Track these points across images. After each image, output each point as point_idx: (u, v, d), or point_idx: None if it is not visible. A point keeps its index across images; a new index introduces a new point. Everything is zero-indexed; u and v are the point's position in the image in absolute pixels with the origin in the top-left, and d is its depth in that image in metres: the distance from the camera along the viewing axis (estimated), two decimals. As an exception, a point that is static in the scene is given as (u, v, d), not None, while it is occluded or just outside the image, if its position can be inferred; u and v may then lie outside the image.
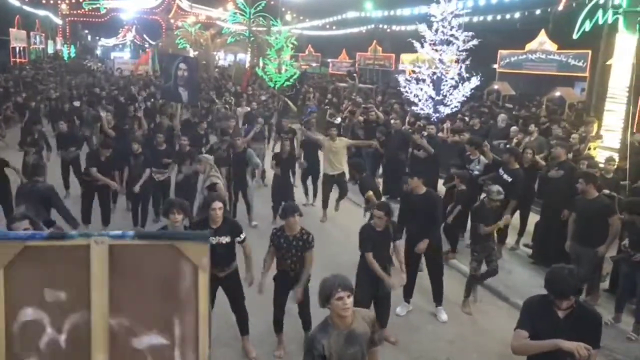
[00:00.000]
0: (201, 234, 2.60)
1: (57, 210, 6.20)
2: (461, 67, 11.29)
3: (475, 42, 11.10)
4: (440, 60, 11.27)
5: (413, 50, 13.25)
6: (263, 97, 18.60)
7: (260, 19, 27.55)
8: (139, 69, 30.92)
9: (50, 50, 47.15)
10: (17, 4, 33.29)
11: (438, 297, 6.10)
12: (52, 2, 38.41)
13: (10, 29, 31.88)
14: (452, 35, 11.29)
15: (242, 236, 5.06)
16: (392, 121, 11.49)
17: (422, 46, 11.64)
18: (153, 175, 8.60)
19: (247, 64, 27.21)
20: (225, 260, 5.00)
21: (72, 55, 48.19)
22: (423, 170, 9.07)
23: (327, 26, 38.25)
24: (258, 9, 27.56)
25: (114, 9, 47.57)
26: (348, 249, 6.63)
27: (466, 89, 11.38)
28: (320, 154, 10.30)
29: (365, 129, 11.62)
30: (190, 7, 47.16)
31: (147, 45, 65.73)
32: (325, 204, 9.40)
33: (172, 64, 11.71)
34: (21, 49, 34.32)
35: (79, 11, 47.50)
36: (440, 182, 9.02)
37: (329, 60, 44.01)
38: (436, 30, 11.41)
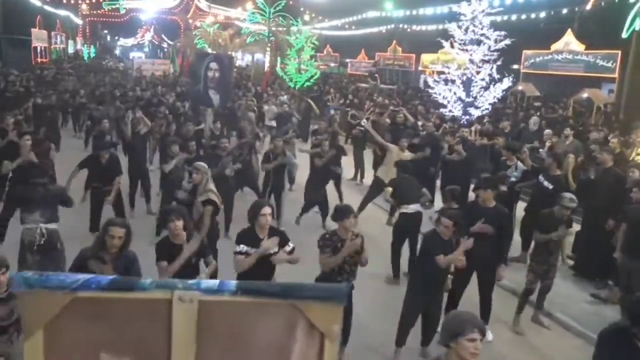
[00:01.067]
0: (337, 291, 1.95)
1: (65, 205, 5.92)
2: (492, 67, 10.89)
3: (507, 41, 10.71)
4: (471, 61, 10.87)
5: (434, 50, 12.87)
6: (283, 98, 18.30)
7: (280, 18, 27.28)
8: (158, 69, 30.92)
9: (70, 50, 47.51)
10: (39, 4, 33.48)
11: (486, 315, 5.69)
12: (72, 2, 38.59)
13: (32, 29, 32.04)
14: (482, 35, 10.89)
15: (291, 246, 4.69)
16: (419, 123, 11.16)
17: (452, 46, 11.27)
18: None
19: (267, 64, 26.95)
20: (269, 274, 4.65)
21: (92, 55, 48.51)
22: (455, 175, 8.91)
23: (346, 26, 37.87)
24: (277, 8, 27.30)
25: (133, 9, 47.76)
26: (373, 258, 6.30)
27: (497, 90, 10.96)
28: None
29: (392, 132, 11.25)
30: (209, 7, 47.15)
31: (165, 45, 66.17)
32: (362, 208, 9.06)
33: (201, 64, 10.41)
34: (42, 48, 34.51)
35: (98, 11, 47.79)
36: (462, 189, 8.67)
37: (347, 60, 43.70)
38: (466, 30, 11.01)
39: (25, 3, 30.44)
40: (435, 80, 11.55)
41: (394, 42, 36.50)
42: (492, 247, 5.52)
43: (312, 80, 20.21)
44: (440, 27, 29.50)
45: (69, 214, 6.51)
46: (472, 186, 8.87)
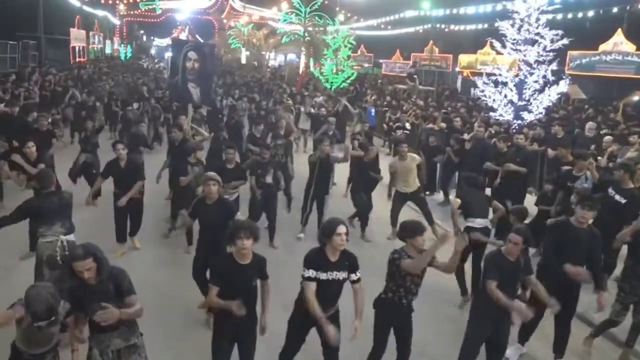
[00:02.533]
0: None
1: None
2: (547, 69, 10.18)
3: (565, 41, 9.99)
4: (525, 62, 10.17)
5: (472, 50, 12.16)
6: (319, 99, 17.86)
7: (316, 18, 26.87)
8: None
9: (107, 50, 48.20)
10: (78, 4, 33.96)
11: (561, 346, 5.11)
12: (110, 2, 39.08)
13: (71, 29, 32.50)
14: (537, 34, 10.19)
15: (358, 274, 4.19)
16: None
17: (504, 46, 10.60)
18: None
19: (302, 65, 26.59)
20: (334, 300, 4.21)
21: (129, 55, 49.11)
22: (509, 185, 8.30)
23: (382, 26, 37.22)
24: (314, 7, 26.90)
25: (169, 9, 48.18)
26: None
27: (552, 93, 10.24)
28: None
29: (439, 136, 10.68)
30: (243, 7, 47.20)
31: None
32: (394, 222, 8.48)
33: (179, 54, 9.04)
34: (81, 48, 35.00)
35: (135, 11, 48.35)
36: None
37: (381, 60, 43.05)
38: (519, 29, 10.32)
39: (65, 3, 30.87)
40: (484, 82, 10.89)
41: (431, 42, 35.72)
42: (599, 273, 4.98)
43: (348, 81, 19.70)
44: (481, 26, 28.98)
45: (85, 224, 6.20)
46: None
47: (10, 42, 17.52)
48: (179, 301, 6.09)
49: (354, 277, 4.17)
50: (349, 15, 35.47)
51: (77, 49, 33.74)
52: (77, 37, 33.88)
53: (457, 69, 35.06)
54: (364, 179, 8.66)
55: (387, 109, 17.81)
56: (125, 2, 43.00)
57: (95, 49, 42.11)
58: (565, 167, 7.33)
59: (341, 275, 4.11)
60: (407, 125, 11.97)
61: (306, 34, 27.29)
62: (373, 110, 17.34)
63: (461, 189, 8.76)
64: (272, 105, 15.91)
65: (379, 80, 33.93)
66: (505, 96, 10.61)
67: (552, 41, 10.07)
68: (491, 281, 4.31)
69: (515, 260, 4.41)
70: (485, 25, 27.96)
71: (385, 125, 15.71)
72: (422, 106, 16.89)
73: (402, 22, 34.65)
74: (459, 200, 6.50)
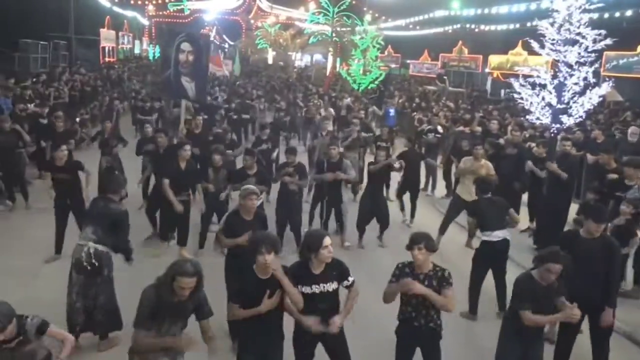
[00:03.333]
0: None
1: (116, 237, 5.05)
2: (588, 71, 9.67)
3: (608, 41, 9.47)
4: (565, 63, 9.65)
5: (503, 51, 11.67)
6: (347, 100, 17.60)
7: (344, 18, 26.57)
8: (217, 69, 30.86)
9: (136, 50, 48.73)
10: (108, 5, 34.36)
11: None
12: (139, 2, 39.47)
13: (101, 29, 32.88)
14: (578, 34, 9.68)
15: (350, 279, 3.99)
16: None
17: (542, 46, 10.10)
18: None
19: (329, 65, 26.34)
20: (332, 312, 3.95)
21: (157, 55, 49.55)
22: (552, 193, 7.87)
23: (410, 26, 36.70)
24: (342, 7, 26.61)
25: (197, 10, 48.50)
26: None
27: (594, 96, 9.73)
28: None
29: (471, 139, 10.27)
30: (271, 7, 47.20)
31: (226, 46, 67.07)
32: (442, 230, 8.14)
33: (171, 45, 8.05)
34: (110, 48, 35.39)
35: (164, 12, 48.82)
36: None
37: (409, 61, 42.52)
38: (559, 28, 9.83)
39: (95, 4, 31.24)
40: (521, 84, 10.40)
41: (460, 42, 35.10)
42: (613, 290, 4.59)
43: (376, 82, 19.36)
44: (512, 26, 28.28)
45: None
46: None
47: (42, 42, 17.68)
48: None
49: (346, 283, 3.96)
50: (376, 15, 35.10)
51: (106, 49, 34.12)
52: (106, 37, 34.26)
53: (487, 70, 34.38)
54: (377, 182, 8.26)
55: (414, 111, 17.45)
56: (154, 2, 43.36)
57: (125, 49, 42.57)
58: (611, 175, 6.90)
59: (330, 286, 3.88)
60: (439, 129, 11.57)
61: (334, 34, 27.01)
62: (392, 111, 17.04)
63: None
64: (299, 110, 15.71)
65: (405, 82, 33.46)
66: (543, 99, 10.10)
67: (594, 41, 9.56)
68: (525, 312, 3.96)
69: (548, 285, 4.04)
70: (517, 25, 27.30)
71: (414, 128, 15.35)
72: (453, 108, 16.48)
73: (431, 22, 34.07)
74: (472, 220, 6.16)
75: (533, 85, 10.64)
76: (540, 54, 10.35)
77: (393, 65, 42.51)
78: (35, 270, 6.55)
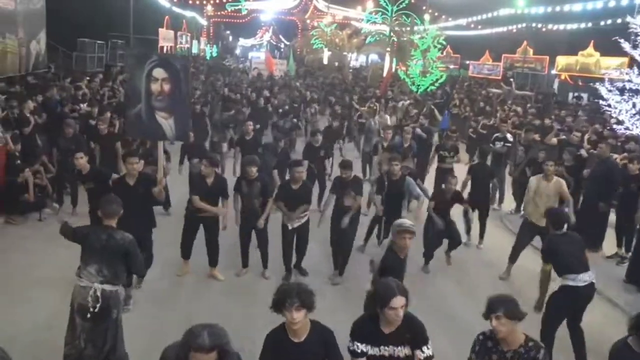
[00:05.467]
0: None
1: (130, 266, 4.48)
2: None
3: None
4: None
5: (571, 52, 10.47)
6: (405, 102, 16.71)
7: (403, 17, 25.62)
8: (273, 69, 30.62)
9: (194, 50, 49.44)
10: (167, 5, 34.83)
11: None
12: (197, 3, 39.87)
13: (159, 29, 33.32)
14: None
15: (427, 352, 3.15)
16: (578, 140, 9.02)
17: (636, 47, 8.99)
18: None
19: (386, 66, 25.47)
20: None
21: (214, 54, 50.16)
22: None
23: (472, 25, 35.21)
24: (400, 6, 25.66)
25: (254, 10, 48.72)
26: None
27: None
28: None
29: (547, 151, 9.24)
30: (327, 7, 46.73)
31: (282, 46, 67.25)
32: (513, 259, 7.25)
33: (139, 72, 5.79)
34: (168, 48, 35.84)
35: (222, 12, 49.32)
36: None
37: (468, 62, 40.95)
38: (654, 27, 8.70)
39: (155, 4, 31.67)
40: (608, 90, 9.31)
41: (525, 42, 33.35)
42: None
43: (437, 84, 18.37)
44: (583, 25, 26.42)
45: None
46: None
47: (99, 41, 17.79)
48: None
49: (420, 355, 3.12)
50: (436, 14, 33.87)
51: (165, 48, 34.55)
52: (165, 37, 34.70)
53: (554, 72, 32.50)
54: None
55: (476, 115, 16.37)
56: (212, 2, 43.81)
57: (183, 48, 43.19)
58: None
59: (401, 351, 3.14)
60: (509, 137, 10.53)
61: (392, 34, 26.10)
62: (446, 112, 16.09)
63: (582, 224, 7.27)
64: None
65: (465, 83, 32.10)
66: (634, 105, 8.99)
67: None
68: None
69: None
70: (589, 24, 25.49)
71: (473, 134, 14.33)
72: (521, 113, 15.31)
73: (494, 21, 32.47)
74: (547, 268, 5.14)
75: (621, 91, 9.54)
76: (626, 55, 9.25)
77: (452, 66, 41.04)
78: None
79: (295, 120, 14.02)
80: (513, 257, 7.18)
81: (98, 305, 4.13)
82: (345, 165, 6.86)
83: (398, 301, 3.01)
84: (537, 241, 7.28)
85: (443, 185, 7.50)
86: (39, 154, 8.84)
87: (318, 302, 3.08)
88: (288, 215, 6.54)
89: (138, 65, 5.70)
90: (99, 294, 4.16)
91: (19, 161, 8.27)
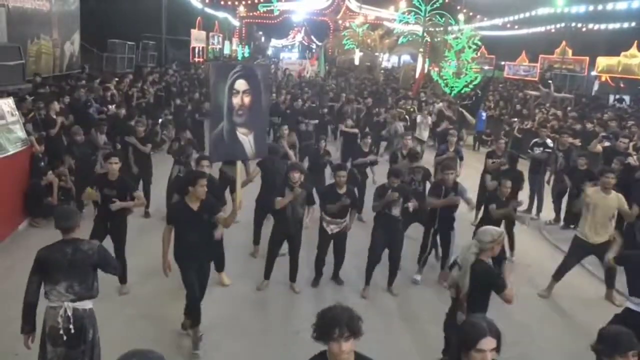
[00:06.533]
0: None
1: (105, 271, 4.05)
2: None
3: None
4: None
5: (614, 52, 9.83)
6: (439, 105, 16.19)
7: (437, 17, 25.01)
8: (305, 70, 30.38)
9: (226, 51, 49.69)
10: (200, 6, 35.00)
11: None
12: (229, 3, 39.99)
13: (192, 30, 33.49)
14: None
15: None
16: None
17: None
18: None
19: (419, 67, 24.91)
20: None
21: (246, 55, 50.31)
22: None
23: (508, 25, 34.25)
24: (434, 6, 25.06)
25: (286, 10, 48.64)
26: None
27: None
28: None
29: (589, 159, 8.68)
30: (359, 7, 46.29)
31: (313, 46, 67.10)
32: (558, 277, 6.73)
33: (222, 84, 5.18)
34: (200, 49, 36.03)
35: (254, 13, 49.42)
36: None
37: (504, 62, 39.92)
38: None
39: (187, 5, 31.85)
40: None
41: (564, 42, 32.26)
42: None
43: (471, 86, 17.78)
44: (627, 25, 25.31)
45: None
46: None
47: (129, 42, 17.85)
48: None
49: None
50: (471, 13, 33.07)
51: (196, 49, 34.73)
52: (197, 37, 34.87)
53: (594, 73, 31.34)
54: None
55: (512, 118, 15.75)
56: (244, 3, 43.91)
57: (215, 49, 43.41)
58: None
59: None
60: (548, 142, 9.96)
61: (425, 34, 25.53)
62: (483, 114, 15.55)
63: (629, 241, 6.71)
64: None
65: (500, 84, 31.25)
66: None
67: None
68: None
69: None
70: (633, 24, 24.42)
71: (505, 136, 13.74)
72: (560, 117, 14.64)
73: (531, 20, 31.47)
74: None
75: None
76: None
77: (486, 67, 40.08)
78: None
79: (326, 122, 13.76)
80: (558, 275, 6.67)
81: (71, 326, 3.72)
82: (395, 173, 6.46)
83: (487, 343, 2.53)
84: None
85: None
86: (65, 156, 8.75)
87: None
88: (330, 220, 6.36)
89: (221, 78, 5.13)
90: (69, 313, 3.74)
91: (43, 163, 8.20)
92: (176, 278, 5.06)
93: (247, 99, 5.19)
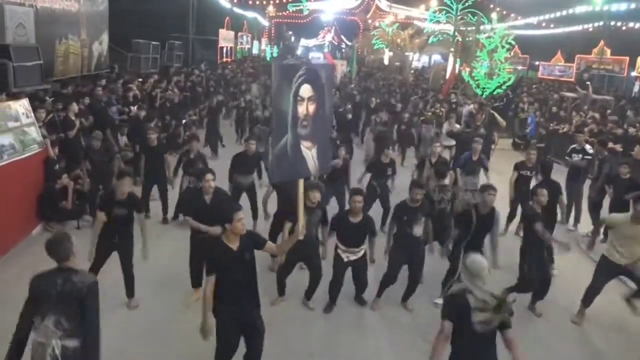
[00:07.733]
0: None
1: (84, 323, 3.48)
2: None
3: None
4: None
5: None
6: (469, 107, 15.57)
7: (468, 15, 24.29)
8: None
9: (255, 51, 49.69)
10: (228, 6, 34.99)
11: None
12: (257, 3, 39.91)
13: (220, 30, 33.48)
14: None
15: None
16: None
17: None
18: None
19: (449, 67, 24.23)
20: None
21: (275, 55, 50.22)
22: None
23: (544, 24, 33.15)
24: (466, 5, 24.34)
25: (315, 10, 48.42)
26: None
27: None
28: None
29: (632, 166, 8.05)
30: (389, 6, 45.70)
31: (343, 46, 66.67)
32: (587, 302, 6.15)
33: (287, 89, 4.17)
34: (228, 48, 36.03)
35: (283, 13, 49.33)
36: None
37: (538, 62, 38.76)
38: None
39: (215, 5, 31.85)
40: None
41: (602, 42, 31.05)
42: None
43: (504, 87, 17.07)
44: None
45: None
46: None
47: (153, 42, 17.74)
48: None
49: None
50: (504, 12, 32.14)
51: (225, 49, 34.73)
52: (225, 37, 34.87)
53: (634, 74, 30.06)
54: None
55: (548, 121, 15.03)
56: (273, 2, 43.81)
57: (243, 49, 43.43)
58: None
59: None
60: (587, 148, 9.31)
61: (456, 34, 24.83)
62: (530, 119, 14.91)
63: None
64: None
65: (534, 85, 30.26)
66: None
67: None
68: None
69: None
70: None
71: (539, 143, 13.12)
72: (599, 120, 13.88)
73: (568, 19, 30.37)
74: None
75: None
76: None
77: (520, 67, 38.95)
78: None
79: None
80: (587, 300, 6.08)
81: None
82: (417, 185, 5.99)
83: None
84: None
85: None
86: (81, 158, 8.57)
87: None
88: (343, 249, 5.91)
89: (286, 82, 4.14)
90: (58, 352, 3.40)
91: (57, 166, 8.01)
92: (187, 288, 4.70)
93: (312, 107, 4.32)
